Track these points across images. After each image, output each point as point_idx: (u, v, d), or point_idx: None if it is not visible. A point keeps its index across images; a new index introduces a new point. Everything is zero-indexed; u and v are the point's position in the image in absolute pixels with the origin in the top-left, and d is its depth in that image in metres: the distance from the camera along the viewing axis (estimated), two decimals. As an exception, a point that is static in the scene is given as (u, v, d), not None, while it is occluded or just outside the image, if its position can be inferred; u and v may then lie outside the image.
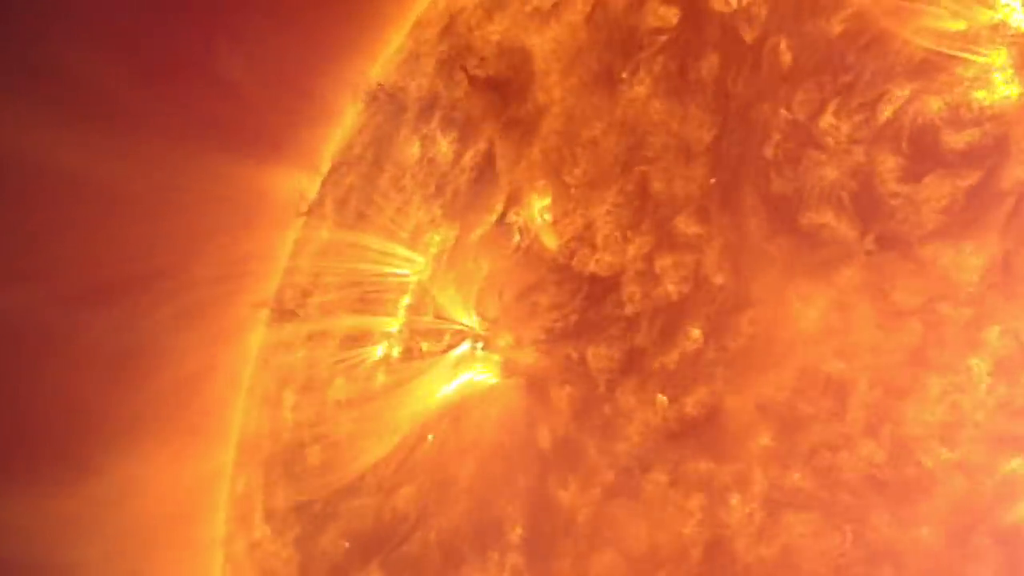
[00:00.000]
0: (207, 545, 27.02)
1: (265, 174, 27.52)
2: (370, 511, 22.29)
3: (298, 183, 27.80)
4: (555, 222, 20.96)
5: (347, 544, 22.57)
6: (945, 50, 17.86)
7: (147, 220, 25.96)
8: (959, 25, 17.86)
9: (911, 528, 16.42)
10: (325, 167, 27.67)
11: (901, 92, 17.90)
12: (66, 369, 25.52)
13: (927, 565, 16.23)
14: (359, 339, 23.98)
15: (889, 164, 17.66)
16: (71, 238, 25.51)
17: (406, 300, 23.23)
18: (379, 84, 26.91)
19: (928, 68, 17.89)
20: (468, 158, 23.09)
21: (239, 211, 27.34)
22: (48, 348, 25.38)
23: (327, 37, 27.60)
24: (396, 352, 23.07)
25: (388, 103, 26.32)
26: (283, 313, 26.76)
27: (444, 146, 23.76)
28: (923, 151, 17.51)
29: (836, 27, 18.94)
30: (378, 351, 23.37)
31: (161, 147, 25.95)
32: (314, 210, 27.39)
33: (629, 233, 19.93)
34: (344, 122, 27.89)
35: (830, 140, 18.25)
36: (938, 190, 17.15)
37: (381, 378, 23.11)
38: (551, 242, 20.87)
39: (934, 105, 17.61)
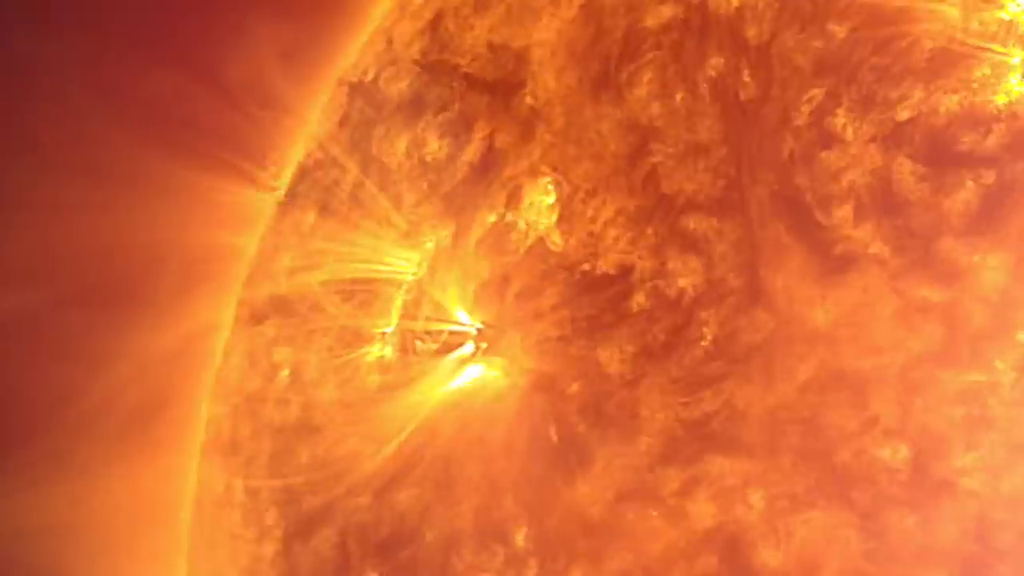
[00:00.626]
0: (180, 546, 26.45)
1: (233, 173, 27.04)
2: (367, 515, 21.78)
3: (267, 181, 27.33)
4: (560, 220, 20.65)
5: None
6: (957, 49, 17.92)
7: (110, 218, 25.38)
8: (970, 24, 17.92)
9: (934, 528, 16.41)
10: (302, 164, 27.11)
11: (915, 92, 17.92)
12: (32, 371, 24.85)
13: (951, 565, 16.22)
14: (350, 339, 23.46)
15: (906, 164, 17.66)
16: (32, 239, 24.85)
17: (400, 300, 22.75)
18: (358, 80, 26.45)
19: (941, 68, 17.95)
20: (463, 156, 22.66)
21: (206, 209, 26.85)
22: (13, 350, 24.70)
23: (297, 30, 27.12)
24: (391, 353, 22.58)
25: (370, 99, 25.82)
26: (263, 313, 26.15)
27: (435, 144, 23.30)
28: (940, 151, 17.55)
29: (845, 27, 18.92)
30: (372, 352, 22.87)
31: (126, 145, 25.39)
32: (293, 208, 26.77)
33: (638, 231, 19.70)
34: (322, 118, 27.34)
35: (845, 140, 18.21)
36: (957, 189, 17.19)
37: (375, 379, 22.61)
38: (557, 240, 20.56)
39: (949, 104, 17.66)
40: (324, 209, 25.79)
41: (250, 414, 25.06)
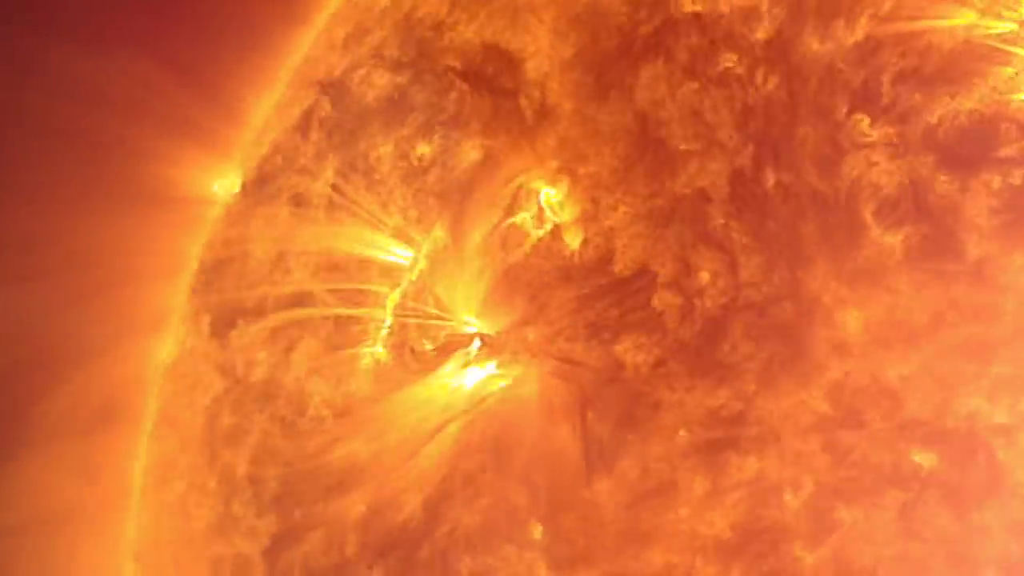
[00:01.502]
0: (136, 546, 25.40)
1: (196, 171, 26.29)
2: (366, 518, 20.89)
3: (222, 175, 26.53)
4: (571, 219, 20.18)
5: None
6: (979, 51, 18.06)
7: (71, 223, 24.50)
8: (989, 24, 18.10)
9: (975, 527, 16.35)
10: (273, 162, 26.25)
11: (940, 93, 18.00)
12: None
13: (994, 564, 16.18)
14: (337, 339, 22.56)
15: (933, 165, 17.69)
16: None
17: (395, 299, 21.96)
18: (335, 77, 25.67)
19: (965, 68, 18.06)
20: (460, 154, 22.01)
21: (170, 210, 26.07)
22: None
23: (266, 26, 26.53)
24: (384, 354, 21.74)
25: (350, 97, 25.00)
26: (236, 312, 25.07)
27: (426, 143, 22.58)
28: (968, 151, 17.63)
29: (861, 29, 18.93)
30: (363, 352, 22.00)
31: (83, 145, 24.57)
32: (264, 205, 25.77)
33: (656, 229, 19.38)
34: (290, 116, 26.52)
35: (871, 141, 18.18)
36: (985, 189, 17.27)
37: (368, 380, 21.74)
38: (569, 239, 20.08)
39: (975, 105, 17.75)
40: (299, 206, 24.81)
41: (233, 414, 23.88)
